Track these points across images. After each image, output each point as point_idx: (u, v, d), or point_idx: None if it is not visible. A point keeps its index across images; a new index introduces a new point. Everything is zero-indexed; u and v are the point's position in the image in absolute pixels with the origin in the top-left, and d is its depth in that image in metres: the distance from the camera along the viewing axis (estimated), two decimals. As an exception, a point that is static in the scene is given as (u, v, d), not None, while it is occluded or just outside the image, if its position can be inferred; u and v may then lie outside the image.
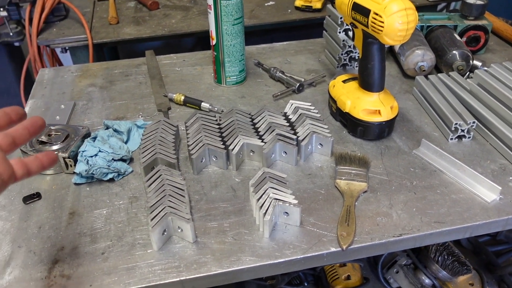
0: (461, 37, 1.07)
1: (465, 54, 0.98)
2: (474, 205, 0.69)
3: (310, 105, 0.87)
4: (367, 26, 0.74)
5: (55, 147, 0.78)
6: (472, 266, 0.95)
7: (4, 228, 0.68)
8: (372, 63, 0.79)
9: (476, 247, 1.05)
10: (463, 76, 0.96)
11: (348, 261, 0.93)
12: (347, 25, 0.99)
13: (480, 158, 0.79)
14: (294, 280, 0.93)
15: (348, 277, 0.91)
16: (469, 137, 0.82)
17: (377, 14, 0.71)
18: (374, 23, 0.72)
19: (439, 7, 1.63)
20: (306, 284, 0.92)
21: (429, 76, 0.94)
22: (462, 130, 0.81)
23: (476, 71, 0.89)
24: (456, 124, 0.80)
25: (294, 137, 0.78)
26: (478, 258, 1.05)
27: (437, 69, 1.04)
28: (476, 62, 1.01)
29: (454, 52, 0.98)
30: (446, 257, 0.91)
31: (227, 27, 0.94)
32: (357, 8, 0.76)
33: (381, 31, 0.71)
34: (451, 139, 0.82)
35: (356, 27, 0.79)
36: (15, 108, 0.50)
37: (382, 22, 0.71)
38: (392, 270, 0.97)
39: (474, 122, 0.80)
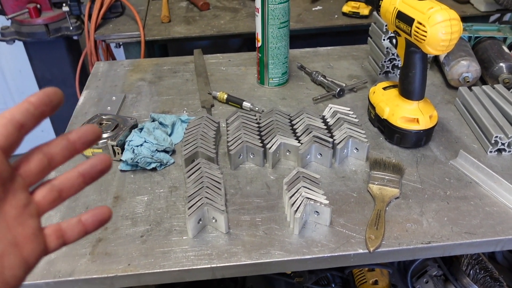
0: (510, 50, 1.05)
1: (512, 67, 0.96)
2: (508, 219, 0.69)
3: (349, 110, 0.88)
4: (410, 35, 0.75)
5: (105, 135, 0.83)
6: (506, 283, 0.94)
7: (55, 206, 0.74)
8: (414, 71, 0.79)
9: (512, 265, 1.03)
10: (509, 89, 0.95)
11: (376, 267, 0.94)
12: (391, 32, 1.00)
13: (519, 173, 0.78)
14: (322, 281, 0.95)
15: (376, 282, 0.92)
16: (509, 151, 0.81)
17: (420, 24, 0.72)
18: (417, 32, 0.73)
19: (492, 18, 1.59)
20: (333, 286, 0.94)
21: (473, 88, 0.94)
22: (503, 144, 0.80)
23: (521, 85, 0.88)
24: (496, 137, 0.80)
25: (330, 140, 0.80)
26: (514, 276, 1.03)
27: (482, 81, 1.02)
28: (524, 76, 0.99)
29: (501, 64, 0.97)
30: (478, 271, 0.90)
31: (273, 30, 0.97)
32: (401, 16, 0.77)
33: (424, 40, 0.72)
34: (490, 152, 0.81)
35: (399, 35, 0.80)
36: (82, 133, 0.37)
37: (425, 32, 0.71)
38: (422, 280, 0.96)
39: (515, 136, 0.79)
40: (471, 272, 0.91)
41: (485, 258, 0.96)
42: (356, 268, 0.95)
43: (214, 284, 1.00)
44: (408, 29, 0.75)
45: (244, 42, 2.03)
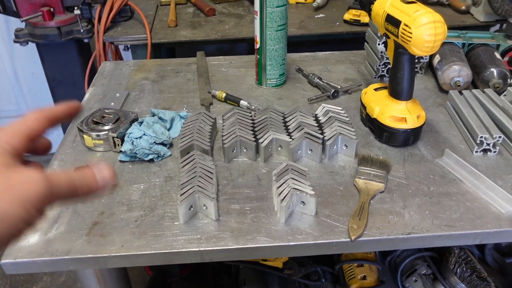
0: (503, 57, 1.08)
1: (503, 73, 0.99)
2: (488, 214, 0.71)
3: (341, 110, 0.91)
4: (397, 37, 0.79)
5: (106, 127, 0.87)
6: (494, 284, 0.95)
7: (56, 191, 0.78)
8: (402, 72, 0.82)
9: (502, 267, 1.05)
10: (499, 94, 0.97)
11: (366, 262, 0.96)
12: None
13: (502, 172, 0.80)
14: (313, 276, 0.97)
15: (364, 278, 0.94)
16: (494, 152, 0.84)
17: (407, 26, 0.76)
18: (404, 34, 0.76)
19: (492, 29, 1.62)
20: (324, 281, 0.96)
21: (463, 92, 0.96)
22: (488, 144, 0.83)
23: (509, 88, 0.91)
24: (481, 137, 0.82)
25: (321, 136, 0.84)
26: (504, 278, 1.04)
27: (474, 86, 1.05)
28: (515, 82, 1.02)
29: (492, 69, 1.00)
30: (465, 270, 0.92)
31: (271, 33, 1.01)
32: (389, 19, 0.80)
33: (410, 41, 0.75)
34: (476, 151, 0.84)
35: (388, 37, 0.84)
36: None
37: (411, 33, 0.75)
38: (411, 278, 0.98)
39: (500, 137, 0.82)
40: (458, 270, 0.93)
41: (474, 259, 0.98)
42: (346, 263, 0.97)
43: (209, 276, 1.03)
44: (395, 31, 0.79)
45: (251, 47, 2.08)
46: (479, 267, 0.95)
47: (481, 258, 1.05)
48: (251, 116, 0.92)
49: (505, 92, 0.94)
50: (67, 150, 0.88)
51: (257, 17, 1.00)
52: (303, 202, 0.72)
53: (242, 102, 1.00)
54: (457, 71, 1.00)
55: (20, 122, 0.40)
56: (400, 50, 0.81)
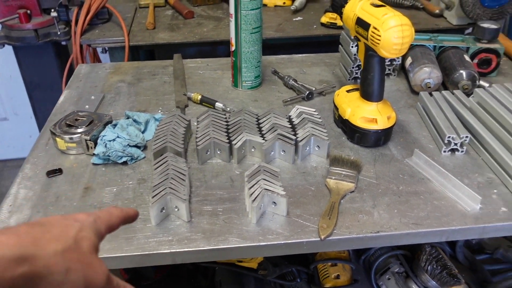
0: (472, 59, 1.11)
1: (471, 74, 1.01)
2: (454, 212, 0.73)
3: (314, 111, 0.93)
4: (367, 39, 0.80)
5: (79, 130, 0.87)
6: (465, 280, 0.97)
7: (27, 195, 0.78)
8: (372, 74, 0.84)
9: (472, 264, 1.07)
10: (468, 96, 1.00)
11: (339, 262, 0.98)
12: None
13: (469, 171, 0.82)
14: (288, 276, 0.98)
15: (338, 277, 0.96)
16: (462, 151, 0.86)
17: (375, 28, 0.77)
18: (373, 37, 0.78)
19: (466, 31, 1.65)
20: (299, 281, 0.97)
21: (433, 93, 0.99)
22: (455, 144, 0.85)
23: (476, 89, 0.93)
24: (449, 137, 0.84)
25: (293, 137, 0.85)
26: (474, 275, 1.07)
27: (445, 87, 1.08)
28: (483, 83, 1.05)
29: (461, 71, 1.02)
30: (435, 267, 0.94)
31: (246, 35, 1.02)
32: (360, 22, 0.82)
33: (379, 44, 0.77)
34: (444, 151, 0.86)
35: (359, 40, 0.86)
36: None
37: (380, 36, 0.76)
38: (385, 276, 1.00)
39: (467, 137, 0.84)
40: (429, 268, 0.95)
41: (445, 256, 1.00)
42: (320, 263, 0.98)
43: (185, 278, 1.03)
44: (365, 34, 0.80)
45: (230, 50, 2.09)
46: (449, 264, 0.97)
47: (452, 255, 1.07)
48: (226, 118, 0.93)
49: (473, 94, 0.96)
50: (39, 153, 0.88)
51: (232, 20, 1.01)
52: (274, 202, 0.72)
53: (217, 104, 1.01)
54: (427, 73, 1.02)
55: (108, 215, 0.47)
56: (370, 53, 0.83)
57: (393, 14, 0.77)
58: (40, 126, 1.97)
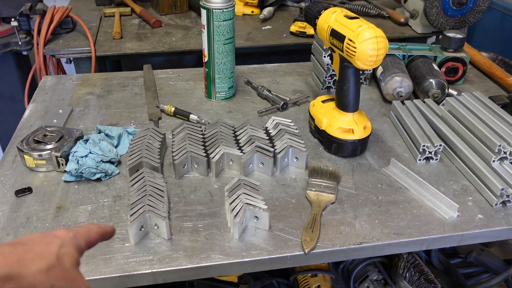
0: (440, 68, 1.14)
1: (441, 83, 1.04)
2: (433, 220, 0.74)
3: (290, 122, 0.93)
4: (342, 51, 0.81)
5: (49, 147, 0.83)
6: (441, 285, 0.99)
7: (-5, 217, 0.74)
8: (348, 85, 0.85)
9: (447, 268, 1.09)
10: (438, 104, 1.02)
11: (319, 272, 0.98)
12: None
13: (444, 179, 0.84)
14: (268, 288, 0.97)
15: (318, 287, 0.96)
16: (436, 159, 0.88)
17: (351, 40, 0.78)
18: (348, 49, 0.79)
19: (429, 40, 1.70)
20: (279, 293, 0.96)
21: (405, 102, 1.01)
22: (430, 152, 0.87)
23: (447, 98, 0.96)
24: (424, 146, 0.86)
25: (272, 149, 0.84)
26: (449, 279, 1.09)
27: (415, 95, 1.10)
28: (452, 91, 1.08)
29: (430, 80, 1.05)
30: (413, 273, 0.96)
31: (219, 46, 1.00)
32: (334, 34, 0.83)
33: (354, 55, 0.78)
34: (419, 160, 0.88)
35: (334, 51, 0.86)
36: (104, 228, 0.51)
37: (355, 48, 0.77)
38: (364, 284, 1.00)
39: (441, 145, 0.86)
40: (407, 275, 0.96)
41: (421, 262, 1.02)
42: (300, 274, 0.98)
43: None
44: (340, 46, 0.81)
45: (199, 59, 2.06)
46: (426, 270, 0.99)
47: (428, 260, 1.09)
48: (201, 130, 0.91)
49: (443, 102, 0.98)
50: (6, 171, 0.84)
51: (205, 31, 1.00)
52: (256, 217, 0.71)
53: (192, 116, 0.99)
54: (399, 82, 1.04)
55: (87, 231, 0.47)
56: (345, 64, 0.83)
57: (368, 26, 0.78)
58: (1, 138, 1.89)
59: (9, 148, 0.90)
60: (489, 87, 1.18)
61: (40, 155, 0.82)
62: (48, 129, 0.88)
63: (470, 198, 0.79)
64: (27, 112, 1.03)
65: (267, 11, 1.69)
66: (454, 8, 1.43)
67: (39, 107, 1.05)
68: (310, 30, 1.52)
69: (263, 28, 1.62)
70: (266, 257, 0.67)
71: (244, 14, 1.73)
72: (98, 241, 0.49)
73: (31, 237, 0.42)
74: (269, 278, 0.95)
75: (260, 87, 1.10)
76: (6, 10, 1.64)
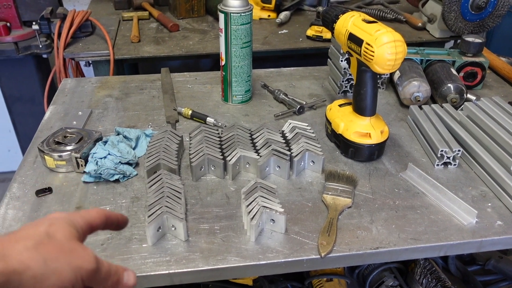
0: (458, 72, 1.13)
1: (459, 88, 1.03)
2: (451, 226, 0.73)
3: (307, 126, 0.93)
4: (360, 55, 0.81)
5: (69, 148, 0.85)
6: (458, 292, 0.98)
7: (16, 216, 0.75)
8: (365, 89, 0.85)
9: (464, 276, 1.08)
10: (456, 109, 1.01)
11: (335, 277, 0.97)
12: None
13: (462, 184, 0.83)
14: (283, 292, 0.97)
15: (334, 292, 0.95)
16: (454, 165, 0.87)
17: (369, 44, 0.78)
18: (366, 53, 0.79)
19: (447, 45, 1.69)
20: (294, 297, 0.96)
21: (423, 106, 1.00)
22: (448, 157, 0.86)
23: (466, 103, 0.95)
24: (442, 151, 0.85)
25: (288, 153, 0.84)
26: (467, 286, 1.08)
27: (433, 100, 1.09)
28: (470, 96, 1.06)
29: (449, 85, 1.04)
30: (430, 280, 0.95)
31: (236, 50, 1.01)
32: (352, 38, 0.83)
33: (372, 60, 0.78)
34: (437, 165, 0.87)
35: (351, 55, 0.86)
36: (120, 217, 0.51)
37: (373, 52, 0.77)
38: (379, 290, 1.00)
39: (459, 150, 0.85)
40: (424, 281, 0.95)
41: (438, 269, 1.01)
42: (315, 278, 0.98)
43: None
44: (358, 50, 0.81)
45: (215, 63, 2.08)
46: (443, 277, 0.98)
47: (445, 267, 1.08)
48: (218, 133, 0.92)
49: (462, 107, 0.97)
50: (27, 171, 0.85)
51: (222, 34, 1.00)
52: (272, 220, 0.72)
53: (208, 119, 1.00)
54: (416, 87, 1.04)
55: (85, 212, 0.47)
56: (363, 68, 0.83)
57: (386, 30, 0.77)
58: (21, 140, 1.93)
59: (30, 149, 0.92)
60: (508, 92, 1.16)
61: (60, 156, 0.84)
62: (68, 130, 0.90)
63: (489, 204, 0.78)
64: (47, 114, 1.04)
65: (283, 15, 1.69)
66: (473, 12, 1.42)
67: (59, 109, 1.07)
68: (326, 34, 1.52)
69: (279, 32, 1.62)
70: (282, 260, 0.68)
71: (260, 18, 1.74)
72: (103, 225, 0.48)
73: (23, 226, 0.43)
74: (284, 282, 0.95)
75: (276, 91, 1.11)
76: (28, 14, 1.68)
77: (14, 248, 0.38)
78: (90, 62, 1.51)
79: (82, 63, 1.65)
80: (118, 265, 0.46)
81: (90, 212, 0.47)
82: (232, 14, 0.96)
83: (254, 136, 0.90)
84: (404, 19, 1.66)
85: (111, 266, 0.45)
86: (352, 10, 0.93)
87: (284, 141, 0.89)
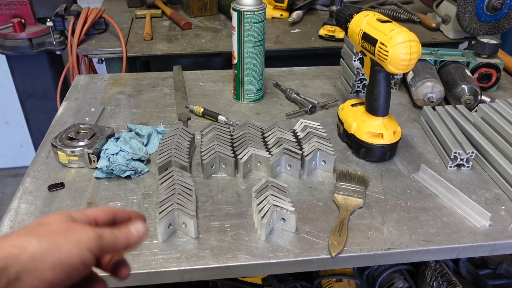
0: (473, 74, 1.12)
1: (473, 89, 1.02)
2: (464, 229, 0.73)
3: (319, 125, 0.92)
4: (374, 55, 0.80)
5: (81, 143, 0.85)
6: (469, 296, 0.97)
7: (29, 210, 0.76)
8: (378, 89, 0.84)
9: (476, 279, 1.07)
10: (471, 110, 1.00)
11: (344, 277, 0.97)
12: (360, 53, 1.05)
13: (476, 187, 0.82)
14: (292, 291, 0.97)
15: (343, 292, 0.95)
16: (468, 166, 0.86)
17: (383, 44, 0.77)
18: (380, 52, 0.78)
19: (461, 46, 1.67)
20: (303, 296, 0.96)
21: (436, 107, 0.99)
22: (461, 159, 0.85)
23: (480, 105, 0.94)
24: (455, 152, 0.84)
25: (300, 152, 0.84)
26: (477, 290, 1.07)
27: (446, 101, 1.08)
28: (484, 98, 1.05)
29: (463, 86, 1.03)
30: (441, 282, 0.94)
31: (249, 48, 1.01)
32: (366, 37, 0.82)
33: (386, 59, 0.77)
34: (450, 166, 0.86)
35: (365, 55, 0.86)
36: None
37: (387, 52, 0.76)
38: (389, 292, 0.99)
39: (473, 152, 0.84)
40: (434, 284, 0.94)
41: (449, 271, 1.00)
42: (324, 278, 0.97)
43: (185, 294, 1.02)
44: (372, 49, 0.80)
45: (226, 61, 2.09)
46: (454, 280, 0.97)
47: (456, 270, 1.07)
48: (230, 131, 0.92)
49: (476, 108, 0.96)
50: (40, 166, 0.86)
51: (235, 33, 1.00)
52: (283, 218, 0.71)
53: (220, 117, 1.00)
54: (430, 88, 1.03)
55: (88, 209, 0.49)
56: (376, 68, 0.83)
57: (401, 30, 0.77)
58: (33, 135, 1.94)
59: (43, 144, 0.92)
60: (523, 95, 1.15)
61: (72, 152, 0.84)
62: (81, 126, 0.90)
63: (503, 207, 0.77)
64: (60, 110, 1.05)
65: (296, 14, 1.68)
66: (488, 13, 1.40)
67: (72, 105, 1.08)
68: (339, 34, 1.51)
69: (292, 31, 1.62)
70: (293, 259, 0.67)
71: (273, 17, 1.73)
72: (109, 220, 0.47)
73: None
74: (293, 281, 0.95)
75: (288, 90, 1.10)
76: (42, 11, 1.69)
77: (7, 238, 0.39)
78: (103, 59, 1.52)
79: (95, 60, 1.66)
80: (122, 224, 0.47)
81: (93, 208, 0.48)
82: (245, 13, 0.96)
83: (265, 135, 0.90)
84: (418, 20, 1.64)
85: (114, 230, 0.45)
86: (366, 9, 0.92)
87: (295, 140, 0.88)
